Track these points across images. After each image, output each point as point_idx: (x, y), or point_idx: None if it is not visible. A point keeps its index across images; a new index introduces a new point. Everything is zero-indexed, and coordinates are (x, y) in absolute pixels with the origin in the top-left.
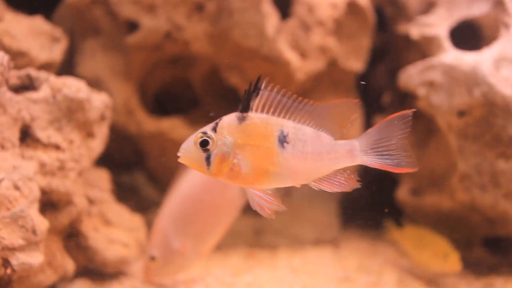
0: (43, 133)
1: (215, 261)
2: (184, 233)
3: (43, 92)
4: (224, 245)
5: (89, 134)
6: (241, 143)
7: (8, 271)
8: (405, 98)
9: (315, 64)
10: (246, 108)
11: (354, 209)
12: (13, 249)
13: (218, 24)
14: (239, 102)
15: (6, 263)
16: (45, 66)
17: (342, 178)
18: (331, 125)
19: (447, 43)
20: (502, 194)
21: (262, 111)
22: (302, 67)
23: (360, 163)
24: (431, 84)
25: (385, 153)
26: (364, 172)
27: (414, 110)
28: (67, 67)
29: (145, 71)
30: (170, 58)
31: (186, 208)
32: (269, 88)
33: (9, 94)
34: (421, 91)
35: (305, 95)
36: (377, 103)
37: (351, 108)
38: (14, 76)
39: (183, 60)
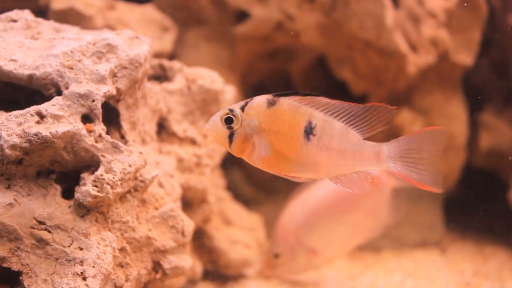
0: (179, 126)
1: None
2: (317, 239)
3: (178, 83)
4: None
5: None
6: (265, 128)
7: (159, 275)
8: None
9: (426, 57)
10: (280, 95)
11: (459, 211)
12: (164, 252)
13: (332, 15)
14: (343, 96)
15: (157, 266)
16: (157, 56)
17: (365, 181)
18: (364, 125)
19: None
20: None
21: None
22: (414, 61)
23: (385, 169)
24: None
25: (412, 165)
26: (468, 173)
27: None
28: (169, 59)
29: (248, 63)
30: (274, 50)
31: (323, 213)
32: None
33: (148, 85)
34: None
35: (412, 90)
36: (481, 99)
37: (388, 113)
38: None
39: (284, 52)
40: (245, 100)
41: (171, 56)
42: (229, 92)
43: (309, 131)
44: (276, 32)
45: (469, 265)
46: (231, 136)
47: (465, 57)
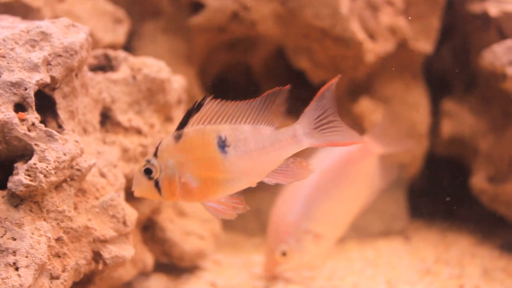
0: (123, 116)
1: None
2: (319, 222)
3: (123, 72)
4: None
5: (168, 118)
6: (183, 161)
7: (100, 266)
8: (474, 80)
9: (385, 45)
10: (182, 126)
11: (422, 200)
12: (104, 241)
13: (287, 4)
14: (304, 86)
15: (97, 256)
16: (111, 48)
17: (295, 167)
18: (270, 116)
19: None
20: None
21: (198, 123)
22: (373, 49)
23: (308, 146)
24: None
25: (328, 129)
26: (431, 161)
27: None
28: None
29: (206, 55)
30: (232, 41)
31: (318, 195)
32: (208, 101)
33: (90, 74)
34: (510, 71)
35: (372, 78)
36: (443, 86)
37: (283, 95)
38: (90, 56)
39: (243, 43)
40: (155, 147)
41: (125, 49)
42: (176, 82)
43: (222, 145)
44: (232, 23)
45: (432, 253)
46: (157, 185)
47: (424, 45)
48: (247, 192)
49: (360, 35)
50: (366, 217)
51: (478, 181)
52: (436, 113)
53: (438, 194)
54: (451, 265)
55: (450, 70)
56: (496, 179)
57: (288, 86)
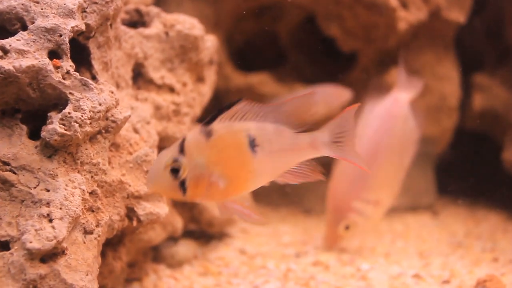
0: (156, 73)
1: (310, 224)
2: (376, 190)
3: (155, 28)
4: (315, 212)
5: (200, 78)
6: (215, 160)
7: (134, 223)
8: (506, 52)
9: (417, 14)
10: (210, 121)
11: (451, 174)
12: (138, 198)
13: None
14: (330, 55)
15: (131, 213)
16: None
17: (307, 170)
18: (293, 119)
19: None
20: None
21: (226, 120)
22: (405, 17)
23: (324, 154)
24: None
25: (341, 146)
26: (461, 135)
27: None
28: None
29: (234, 22)
30: (260, 8)
31: (372, 164)
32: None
33: (123, 28)
34: None
35: (404, 48)
36: (475, 59)
37: (309, 101)
38: (122, 11)
39: (272, 11)
40: (178, 143)
41: None
42: (210, 41)
43: (253, 144)
44: None
45: (461, 227)
46: (182, 185)
47: (458, 15)
48: None
49: (393, 1)
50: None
51: (508, 155)
52: (467, 87)
53: (467, 170)
54: (483, 240)
55: (482, 43)
56: None
57: (312, 92)
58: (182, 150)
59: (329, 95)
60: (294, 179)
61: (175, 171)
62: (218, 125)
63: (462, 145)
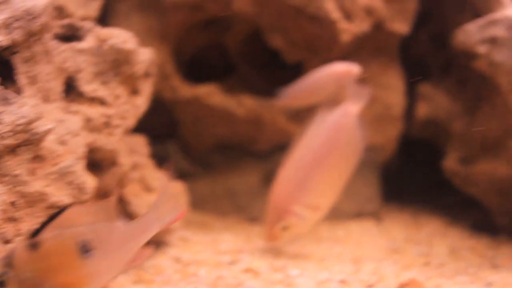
0: (88, 86)
1: (254, 232)
2: (316, 194)
3: (88, 42)
4: (261, 220)
5: (134, 91)
6: (43, 272)
7: None
8: (450, 62)
9: (361, 26)
10: (36, 233)
11: (397, 181)
12: (60, 208)
13: None
14: (278, 67)
15: None
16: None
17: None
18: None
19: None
20: None
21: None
22: (348, 29)
23: (158, 230)
24: (492, 41)
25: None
26: (406, 143)
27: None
28: None
29: (181, 34)
30: (208, 20)
31: (313, 169)
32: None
33: (53, 42)
34: (481, 49)
35: (348, 59)
36: (420, 69)
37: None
38: (56, 26)
39: (220, 23)
40: (3, 256)
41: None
42: (144, 54)
43: (85, 249)
44: (206, 1)
45: (402, 233)
46: None
47: (401, 26)
48: (221, 174)
49: (335, 14)
50: (340, 200)
51: (450, 162)
52: (413, 96)
53: (412, 177)
54: (420, 245)
55: (427, 53)
56: (468, 160)
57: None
58: (8, 264)
59: (337, 74)
60: (136, 261)
61: (1, 284)
62: (47, 235)
63: (408, 153)
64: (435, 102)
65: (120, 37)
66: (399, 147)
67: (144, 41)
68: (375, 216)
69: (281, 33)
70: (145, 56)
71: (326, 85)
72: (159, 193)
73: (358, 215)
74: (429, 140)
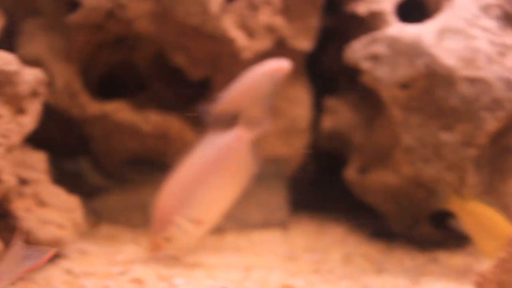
0: None
1: None
2: (200, 209)
3: None
4: None
5: (20, 110)
6: None
7: None
8: (354, 77)
9: (262, 43)
10: None
11: (303, 192)
12: None
13: (161, 1)
14: (185, 84)
15: None
16: None
17: None
18: None
19: (392, 17)
20: (445, 166)
21: None
22: (250, 46)
23: None
24: (375, 57)
25: None
26: (313, 155)
27: None
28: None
29: (88, 53)
30: (115, 39)
31: (198, 183)
32: None
33: None
34: (365, 65)
35: None
36: (329, 84)
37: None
38: None
39: (128, 42)
40: None
41: (2, 46)
42: (29, 74)
43: None
44: (108, 21)
45: (305, 242)
46: None
47: (303, 43)
48: (133, 187)
49: (233, 32)
50: (246, 209)
51: (350, 172)
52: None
53: (319, 187)
54: (318, 252)
55: (336, 68)
56: (364, 170)
57: None
58: None
59: (271, 72)
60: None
61: None
62: None
63: (317, 164)
64: (339, 115)
65: (2, 59)
66: (310, 159)
67: (49, 60)
68: (282, 225)
69: (182, 52)
70: (31, 76)
71: (261, 84)
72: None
73: (265, 224)
74: (335, 151)
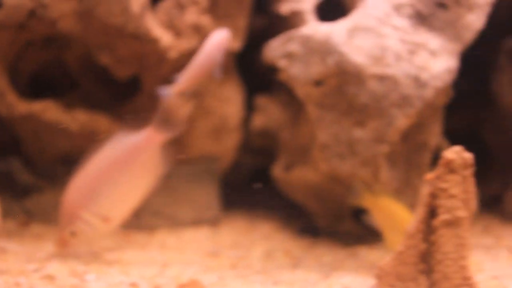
0: None
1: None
2: (106, 205)
3: None
4: None
5: None
6: None
7: None
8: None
9: (189, 42)
10: None
11: (235, 189)
12: None
13: (84, 1)
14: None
15: None
16: None
17: None
18: None
19: (310, 17)
20: (359, 163)
21: None
22: (175, 46)
23: None
24: (290, 56)
25: None
26: (246, 152)
27: None
28: None
29: (15, 52)
30: (43, 38)
31: (104, 179)
32: None
33: None
34: (282, 63)
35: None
36: (262, 84)
37: None
38: None
39: (58, 41)
40: None
41: None
42: None
43: None
44: (31, 20)
45: (232, 238)
46: None
47: (232, 43)
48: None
49: (157, 32)
50: (177, 207)
51: (276, 170)
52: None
53: (251, 184)
54: (242, 249)
55: (266, 68)
56: (288, 167)
57: None
58: None
59: (222, 44)
60: None
61: None
62: None
63: (249, 162)
64: (269, 114)
65: None
66: (244, 156)
67: None
68: (213, 223)
69: (108, 51)
70: None
71: (214, 58)
72: None
73: (196, 222)
74: (267, 149)
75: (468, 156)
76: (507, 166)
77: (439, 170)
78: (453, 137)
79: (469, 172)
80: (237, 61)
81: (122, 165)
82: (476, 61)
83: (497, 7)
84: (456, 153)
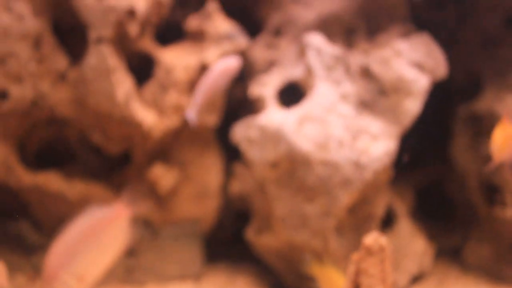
0: None
1: None
2: (82, 265)
3: None
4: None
5: None
6: None
7: None
8: None
9: (171, 121)
10: None
11: (218, 248)
12: None
13: (78, 91)
14: (107, 155)
15: None
16: None
17: None
18: None
19: (271, 101)
20: (310, 234)
21: None
22: (158, 126)
23: None
24: (250, 140)
25: None
26: (226, 215)
27: None
28: None
29: (23, 133)
30: (45, 121)
31: (80, 243)
32: None
33: None
34: (243, 146)
35: (167, 147)
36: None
37: None
38: None
39: (58, 122)
40: None
41: None
42: None
43: None
44: (33, 108)
45: None
46: None
47: (209, 118)
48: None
49: (140, 116)
50: (164, 263)
51: (249, 233)
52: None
53: (232, 243)
54: None
55: None
56: (259, 232)
57: None
58: None
59: (229, 71)
60: None
61: None
62: None
63: (232, 221)
64: (244, 180)
65: None
66: (226, 218)
67: None
68: (196, 277)
69: (99, 132)
70: None
71: (222, 84)
72: None
73: (181, 276)
74: (245, 212)
75: (384, 241)
76: (467, 219)
77: (360, 253)
78: (420, 192)
79: (385, 255)
80: (217, 131)
81: (93, 235)
82: (437, 123)
83: (452, 74)
84: (373, 240)
